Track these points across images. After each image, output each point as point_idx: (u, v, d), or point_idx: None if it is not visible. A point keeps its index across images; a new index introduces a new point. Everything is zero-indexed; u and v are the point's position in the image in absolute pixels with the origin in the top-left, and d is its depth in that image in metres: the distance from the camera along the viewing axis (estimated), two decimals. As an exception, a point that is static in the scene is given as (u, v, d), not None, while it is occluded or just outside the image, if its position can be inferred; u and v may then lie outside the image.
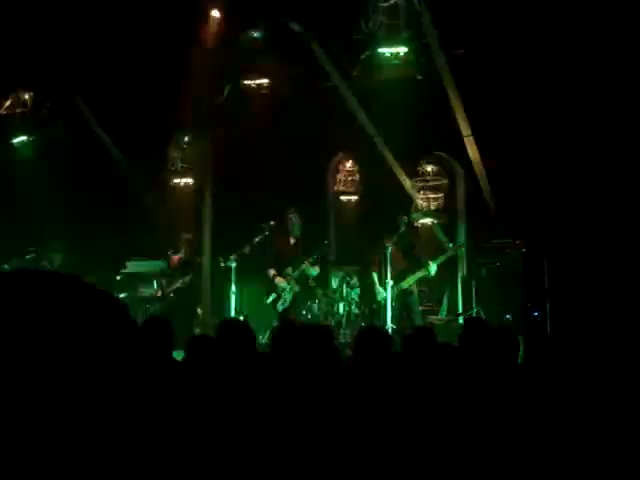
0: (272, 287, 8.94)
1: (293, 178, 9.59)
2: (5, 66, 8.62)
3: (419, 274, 8.40)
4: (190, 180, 10.55)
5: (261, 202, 9.42)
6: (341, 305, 9.08)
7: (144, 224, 9.83)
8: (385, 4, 8.22)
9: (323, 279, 9.65)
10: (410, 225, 8.80)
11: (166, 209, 10.13)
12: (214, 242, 10.40)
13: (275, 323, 8.19)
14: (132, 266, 9.62)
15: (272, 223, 8.96)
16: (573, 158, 7.73)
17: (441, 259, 8.46)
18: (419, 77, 8.54)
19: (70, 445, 1.06)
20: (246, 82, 9.55)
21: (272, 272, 8.90)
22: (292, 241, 9.03)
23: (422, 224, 9.55)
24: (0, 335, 1.04)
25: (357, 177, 10.56)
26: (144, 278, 9.50)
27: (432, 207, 9.61)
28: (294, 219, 8.98)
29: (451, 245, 8.78)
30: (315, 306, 8.95)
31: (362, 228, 9.59)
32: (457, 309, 8.92)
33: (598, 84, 7.80)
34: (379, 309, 8.26)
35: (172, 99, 9.06)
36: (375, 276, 8.58)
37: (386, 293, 8.10)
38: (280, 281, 8.83)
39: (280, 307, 8.81)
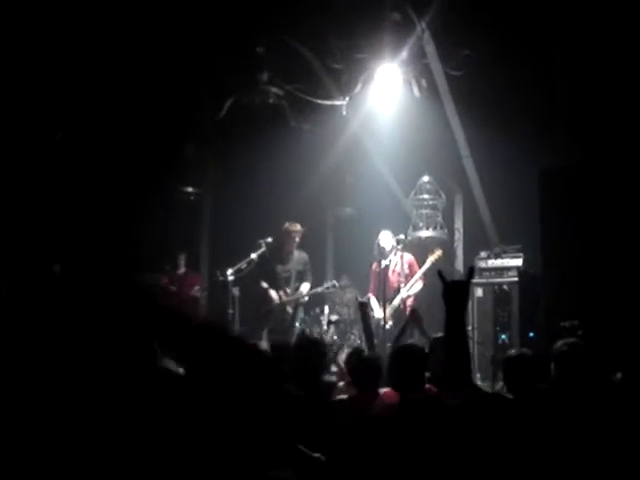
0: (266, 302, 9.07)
1: (294, 194, 9.64)
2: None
3: (429, 260, 8.48)
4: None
5: (261, 217, 9.45)
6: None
7: (143, 237, 9.84)
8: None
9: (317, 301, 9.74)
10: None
11: (166, 222, 10.16)
12: (212, 255, 10.43)
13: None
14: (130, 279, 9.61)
15: (270, 240, 9.01)
16: (574, 176, 7.76)
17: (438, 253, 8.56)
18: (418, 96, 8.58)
19: None
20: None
21: (265, 285, 9.02)
22: (287, 258, 9.13)
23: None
24: None
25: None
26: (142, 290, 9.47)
27: (429, 226, 9.62)
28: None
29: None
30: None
31: (360, 246, 9.60)
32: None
33: (600, 104, 7.87)
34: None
35: (174, 112, 9.09)
36: (372, 298, 8.57)
37: (383, 313, 8.11)
38: (273, 294, 8.96)
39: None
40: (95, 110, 8.88)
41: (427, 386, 4.37)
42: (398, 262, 8.53)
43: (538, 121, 8.39)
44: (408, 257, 8.62)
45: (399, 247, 8.56)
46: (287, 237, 9.05)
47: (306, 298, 9.07)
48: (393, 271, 8.51)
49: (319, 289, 9.01)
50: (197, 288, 10.07)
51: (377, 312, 8.35)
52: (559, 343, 4.61)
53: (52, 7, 7.30)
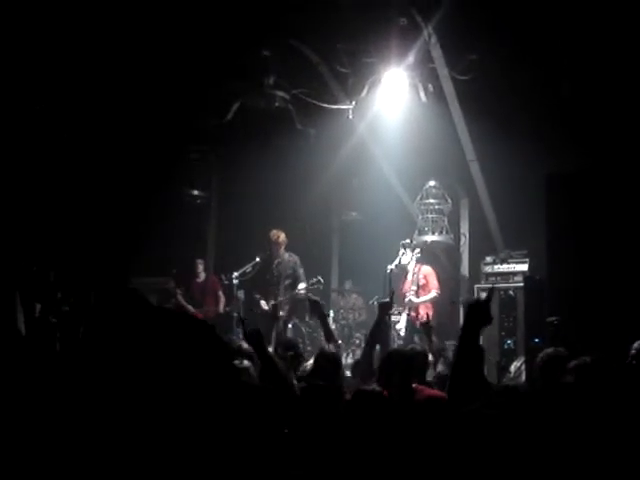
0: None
1: (300, 198, 9.65)
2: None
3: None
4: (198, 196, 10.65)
5: (267, 221, 9.47)
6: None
7: (150, 240, 9.84)
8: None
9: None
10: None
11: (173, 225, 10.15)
12: (218, 258, 10.43)
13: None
14: (137, 283, 9.63)
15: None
16: (580, 181, 7.74)
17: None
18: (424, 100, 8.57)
19: None
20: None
21: (257, 297, 9.00)
22: (275, 264, 9.10)
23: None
24: None
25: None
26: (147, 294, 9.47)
27: (435, 230, 9.62)
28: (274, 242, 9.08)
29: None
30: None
31: (366, 250, 9.60)
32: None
33: (606, 110, 7.86)
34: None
35: (181, 115, 9.12)
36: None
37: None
38: (263, 305, 8.92)
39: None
40: (101, 114, 8.91)
41: (414, 385, 4.40)
42: (415, 273, 8.60)
43: (544, 126, 8.37)
44: (426, 269, 8.69)
45: (418, 254, 8.62)
46: (271, 245, 9.07)
47: (302, 295, 8.95)
48: (407, 280, 8.59)
49: (303, 286, 8.94)
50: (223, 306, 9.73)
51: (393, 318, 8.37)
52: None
53: (59, 9, 7.32)
